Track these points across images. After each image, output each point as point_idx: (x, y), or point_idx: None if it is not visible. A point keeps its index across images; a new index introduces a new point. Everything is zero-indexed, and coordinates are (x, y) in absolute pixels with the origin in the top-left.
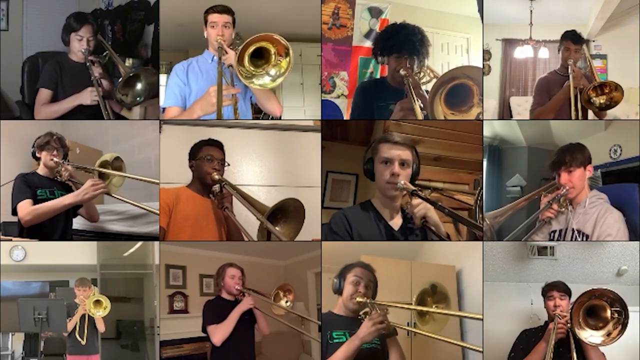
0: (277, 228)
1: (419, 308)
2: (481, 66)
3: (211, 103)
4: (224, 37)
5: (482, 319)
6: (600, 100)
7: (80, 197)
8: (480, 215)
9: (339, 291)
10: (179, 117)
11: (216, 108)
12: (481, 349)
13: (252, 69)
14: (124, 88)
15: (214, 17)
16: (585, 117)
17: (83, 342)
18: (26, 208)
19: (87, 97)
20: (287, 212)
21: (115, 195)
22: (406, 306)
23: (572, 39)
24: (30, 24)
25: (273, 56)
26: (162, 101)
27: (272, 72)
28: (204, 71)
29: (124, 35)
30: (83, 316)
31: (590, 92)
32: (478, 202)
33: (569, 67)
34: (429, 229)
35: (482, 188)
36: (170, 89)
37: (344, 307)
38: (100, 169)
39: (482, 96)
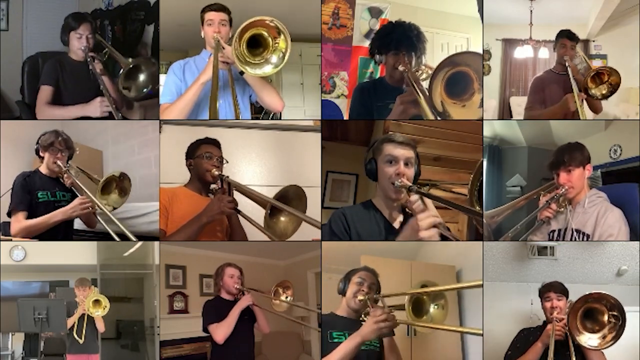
0: (282, 218)
1: (411, 294)
2: (480, 60)
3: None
4: (221, 34)
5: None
6: (602, 90)
7: (68, 214)
8: (477, 208)
9: (343, 292)
10: (176, 102)
11: (210, 107)
12: (481, 332)
13: (250, 57)
14: (126, 81)
15: (210, 15)
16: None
17: (81, 341)
18: (18, 223)
19: (97, 109)
20: (289, 200)
21: (101, 221)
22: (403, 303)
23: (567, 36)
24: (30, 24)
25: (270, 39)
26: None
27: (274, 59)
28: (200, 69)
29: (124, 36)
30: (82, 316)
31: (589, 83)
32: (475, 191)
33: (566, 62)
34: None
35: (480, 174)
36: (167, 86)
37: (347, 307)
38: (90, 195)
39: (482, 82)
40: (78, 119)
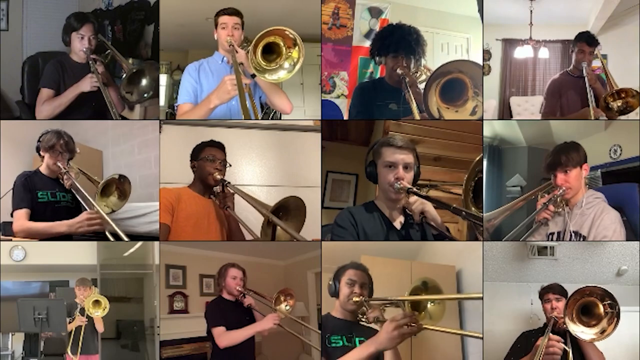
0: (278, 228)
1: (412, 298)
2: (480, 63)
3: (227, 91)
4: (234, 37)
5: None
6: (617, 103)
7: (73, 229)
8: (473, 209)
9: (335, 294)
10: (193, 111)
11: (233, 96)
12: (481, 335)
13: (265, 64)
14: (128, 85)
15: (224, 19)
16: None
17: (76, 358)
18: (21, 222)
19: (87, 84)
20: (289, 210)
21: (108, 234)
22: (400, 298)
23: (587, 41)
24: (30, 24)
25: (284, 48)
26: (163, 101)
27: (286, 64)
28: (214, 71)
29: (124, 36)
30: (79, 328)
31: (608, 97)
32: (470, 188)
33: (584, 69)
34: (428, 224)
35: (476, 176)
36: (184, 87)
37: (342, 308)
38: (90, 200)
39: (479, 89)
40: (76, 117)
